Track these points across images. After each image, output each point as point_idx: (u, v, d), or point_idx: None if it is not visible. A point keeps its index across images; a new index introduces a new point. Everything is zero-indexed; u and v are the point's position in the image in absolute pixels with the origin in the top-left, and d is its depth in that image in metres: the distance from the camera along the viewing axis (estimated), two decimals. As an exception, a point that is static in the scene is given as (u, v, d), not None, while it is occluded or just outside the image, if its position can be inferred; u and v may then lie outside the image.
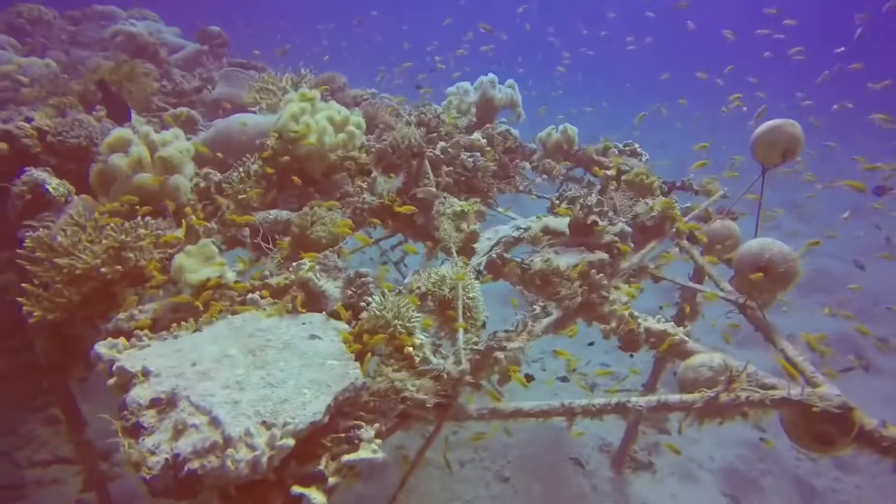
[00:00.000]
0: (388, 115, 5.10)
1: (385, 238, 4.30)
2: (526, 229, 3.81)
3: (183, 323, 2.52)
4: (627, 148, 5.29)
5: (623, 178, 4.47)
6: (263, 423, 1.86)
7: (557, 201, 4.02)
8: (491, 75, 5.66)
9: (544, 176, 5.22)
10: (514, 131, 5.51)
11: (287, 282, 2.84)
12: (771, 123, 3.64)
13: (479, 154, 4.57)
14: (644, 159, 5.21)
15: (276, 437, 1.79)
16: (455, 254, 3.45)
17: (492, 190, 4.52)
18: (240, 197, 3.61)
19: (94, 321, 2.86)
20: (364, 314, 2.57)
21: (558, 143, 5.44)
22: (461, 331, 2.63)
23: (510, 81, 5.79)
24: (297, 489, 1.80)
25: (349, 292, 2.74)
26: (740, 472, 6.31)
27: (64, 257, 2.74)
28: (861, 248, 11.53)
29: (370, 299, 2.67)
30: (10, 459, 4.90)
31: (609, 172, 4.60)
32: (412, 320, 2.52)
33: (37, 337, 3.37)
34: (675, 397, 2.50)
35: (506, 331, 2.80)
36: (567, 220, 3.72)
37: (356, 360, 2.32)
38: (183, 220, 3.17)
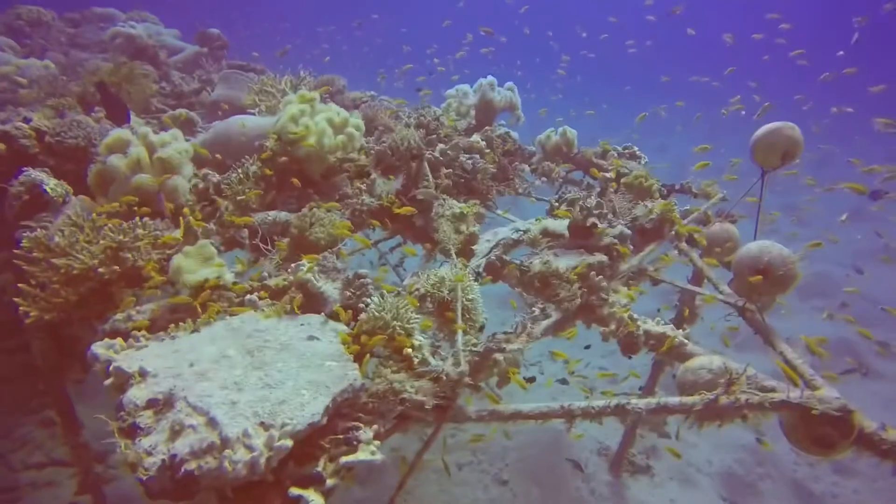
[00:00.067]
0: (387, 117, 5.10)
1: (384, 240, 4.30)
2: (525, 231, 3.81)
3: (181, 324, 2.51)
4: (626, 151, 5.29)
5: (622, 180, 4.47)
6: (261, 424, 1.84)
7: (557, 204, 4.02)
8: (490, 78, 5.67)
9: (543, 178, 5.23)
10: (514, 134, 5.51)
11: (286, 283, 2.83)
12: (770, 126, 3.64)
13: (478, 156, 4.57)
14: (643, 162, 5.21)
15: (274, 438, 1.78)
16: (454, 255, 3.45)
17: (491, 192, 4.52)
18: (238, 198, 3.61)
19: (91, 322, 2.85)
20: (363, 315, 2.56)
21: (557, 146, 5.44)
22: (460, 332, 2.62)
23: (509, 84, 5.80)
24: (294, 490, 1.79)
25: (348, 293, 2.73)
26: (738, 475, 6.30)
27: (61, 257, 2.73)
28: (860, 252, 11.55)
29: (369, 300, 2.66)
30: (4, 462, 4.87)
31: (608, 175, 4.60)
32: (411, 321, 2.51)
33: (33, 338, 3.35)
34: (674, 400, 2.49)
35: (505, 332, 2.79)
36: (566, 222, 3.72)
37: (355, 361, 2.31)
38: (181, 220, 3.15)
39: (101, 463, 4.94)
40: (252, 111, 4.85)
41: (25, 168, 3.40)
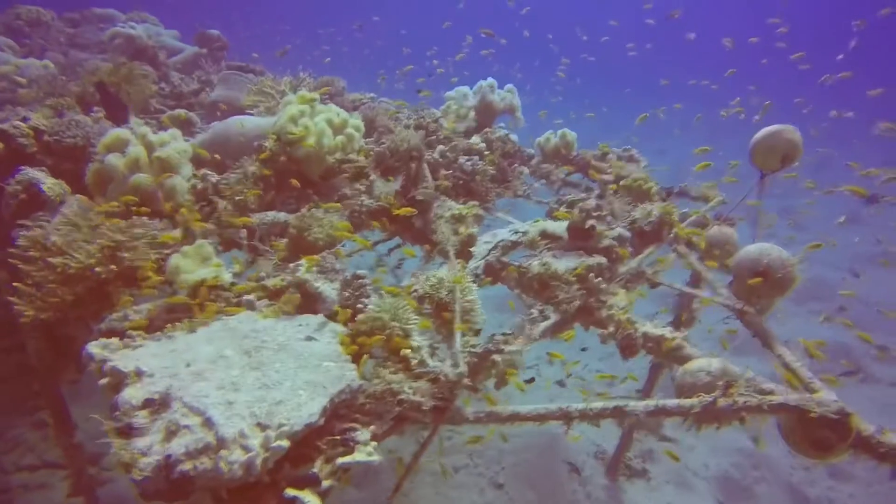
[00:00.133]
0: (387, 118, 5.10)
1: (382, 241, 4.29)
2: (524, 233, 3.81)
3: (178, 323, 2.49)
4: (626, 153, 5.30)
5: (621, 183, 4.47)
6: (258, 424, 1.83)
7: (556, 206, 4.02)
8: (490, 80, 5.68)
9: (543, 181, 5.23)
10: (514, 136, 5.52)
11: (284, 283, 2.82)
12: (770, 129, 3.65)
13: (477, 158, 4.57)
14: (642, 165, 5.22)
15: (270, 438, 1.77)
16: (453, 257, 3.44)
17: (490, 194, 4.52)
18: (237, 198, 3.60)
19: (87, 321, 2.83)
20: (361, 315, 2.55)
21: (557, 148, 5.45)
22: (458, 333, 2.62)
23: (509, 86, 5.81)
24: (290, 492, 1.77)
25: (346, 294, 2.72)
26: (735, 479, 6.29)
27: (58, 256, 2.72)
28: (857, 255, 11.58)
29: (367, 301, 2.65)
30: (-4, 463, 4.84)
31: (607, 177, 4.60)
32: (410, 322, 2.50)
33: (28, 338, 3.34)
34: (672, 402, 2.48)
35: (503, 334, 2.78)
36: (564, 224, 3.71)
37: (353, 361, 2.30)
38: (178, 218, 3.14)
39: (95, 465, 4.91)
40: (251, 112, 4.85)
41: (23, 167, 3.38)
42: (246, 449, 1.73)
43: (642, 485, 6.08)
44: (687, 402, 2.46)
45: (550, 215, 4.08)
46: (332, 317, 2.64)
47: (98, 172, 3.37)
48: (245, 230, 3.42)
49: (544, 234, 3.78)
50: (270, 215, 3.53)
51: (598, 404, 2.48)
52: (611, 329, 3.09)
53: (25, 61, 5.87)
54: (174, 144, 3.52)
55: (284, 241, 3.29)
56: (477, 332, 2.83)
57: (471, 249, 3.69)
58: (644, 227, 3.95)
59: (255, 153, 3.88)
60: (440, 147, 4.64)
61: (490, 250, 3.63)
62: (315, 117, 3.95)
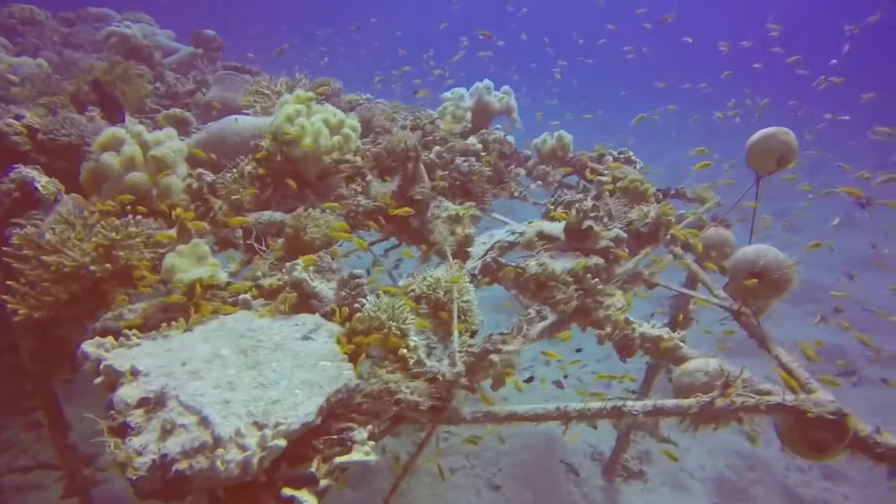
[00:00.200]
0: (383, 119, 5.09)
1: (379, 241, 4.28)
2: (521, 234, 3.80)
3: (173, 323, 2.47)
4: (622, 155, 5.31)
5: (618, 184, 4.48)
6: (255, 423, 1.82)
7: (553, 206, 4.02)
8: (486, 81, 5.68)
9: (539, 182, 5.23)
10: (510, 138, 5.52)
11: (280, 283, 2.80)
12: (765, 131, 3.65)
13: (474, 159, 4.57)
14: (638, 167, 5.23)
15: (267, 437, 1.75)
16: (450, 257, 3.43)
17: (486, 195, 4.51)
18: (233, 198, 3.58)
19: (81, 321, 2.81)
20: (358, 315, 2.54)
21: (553, 150, 5.45)
22: (456, 333, 2.61)
23: (505, 88, 5.81)
24: (287, 491, 1.76)
25: (343, 293, 2.71)
26: (730, 481, 6.31)
27: (52, 255, 2.69)
28: (852, 259, 11.64)
29: (364, 301, 2.64)
30: (-11, 465, 4.80)
31: (604, 178, 4.60)
32: (407, 322, 2.49)
33: (22, 338, 3.31)
34: (670, 402, 2.48)
35: (501, 334, 2.77)
36: (561, 225, 3.71)
37: (349, 361, 2.28)
38: (173, 215, 3.12)
39: (90, 465, 4.87)
40: (247, 112, 4.83)
41: (16, 165, 3.36)
42: (242, 448, 1.71)
43: (639, 486, 6.09)
44: (685, 402, 2.46)
45: (547, 216, 4.08)
46: (328, 316, 2.63)
47: (93, 171, 3.34)
48: (241, 230, 3.41)
49: (541, 235, 3.78)
50: (266, 215, 3.51)
51: (595, 404, 2.47)
52: (608, 330, 3.09)
53: (18, 59, 5.83)
54: (169, 143, 3.50)
55: (280, 240, 3.27)
56: (474, 333, 2.82)
57: (468, 250, 3.68)
58: (641, 229, 3.95)
59: (250, 153, 3.86)
60: (437, 148, 4.64)
61: (487, 251, 3.62)
62: (311, 117, 3.94)
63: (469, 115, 5.71)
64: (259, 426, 1.81)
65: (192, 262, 2.82)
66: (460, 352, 2.51)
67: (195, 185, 3.65)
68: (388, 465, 5.41)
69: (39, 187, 3.25)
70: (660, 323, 3.19)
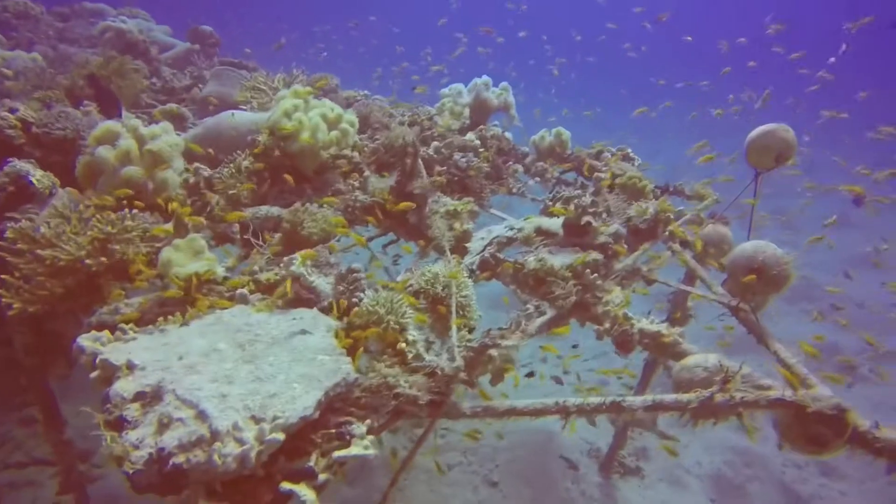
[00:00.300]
0: (381, 114, 5.07)
1: (377, 237, 4.26)
2: (519, 230, 3.79)
3: (170, 317, 2.45)
4: (620, 152, 5.30)
5: (616, 181, 4.47)
6: (252, 417, 1.80)
7: (551, 202, 4.01)
8: (485, 77, 5.66)
9: (537, 178, 5.22)
10: (508, 134, 5.51)
11: (277, 277, 2.78)
12: (764, 128, 3.65)
13: (471, 154, 4.55)
14: (636, 164, 5.22)
15: (265, 431, 1.74)
16: (448, 252, 3.42)
17: (485, 191, 4.50)
18: (230, 192, 3.56)
19: (76, 315, 2.79)
20: (356, 309, 2.52)
21: (551, 147, 5.44)
22: (454, 327, 2.59)
23: (504, 84, 5.80)
24: (286, 485, 1.74)
25: (341, 288, 2.69)
26: (727, 477, 6.32)
27: (47, 249, 2.67)
28: (847, 258, 11.67)
29: (362, 295, 2.62)
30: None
31: (602, 175, 4.60)
32: (405, 316, 2.48)
33: (16, 332, 3.27)
34: (670, 397, 2.47)
35: (500, 328, 2.76)
36: (560, 220, 3.70)
37: (347, 355, 2.27)
38: (169, 209, 3.10)
39: (85, 461, 4.84)
40: (244, 108, 4.80)
41: (11, 159, 3.32)
42: (240, 442, 1.70)
43: (636, 482, 6.10)
44: (684, 396, 2.46)
45: (545, 212, 4.07)
46: (325, 310, 2.61)
47: (88, 165, 3.31)
48: (238, 224, 3.39)
49: (539, 231, 3.77)
50: (264, 210, 3.49)
51: (595, 399, 2.47)
52: (607, 325, 3.08)
53: (13, 53, 5.77)
54: (165, 137, 3.47)
55: (278, 235, 3.25)
56: (472, 329, 2.80)
57: (466, 245, 3.67)
58: (639, 225, 3.95)
59: (247, 148, 3.84)
60: (435, 143, 4.62)
61: (485, 246, 3.61)
62: (309, 112, 3.91)
63: (467, 112, 5.70)
64: (256, 420, 1.79)
65: (189, 257, 2.80)
66: (459, 346, 2.49)
67: (192, 180, 3.63)
68: (385, 462, 5.39)
69: (34, 181, 3.21)
70: (658, 319, 3.19)
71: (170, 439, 1.69)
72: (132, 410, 1.83)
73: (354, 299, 2.64)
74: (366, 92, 6.43)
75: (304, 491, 1.74)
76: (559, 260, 3.30)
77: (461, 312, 2.76)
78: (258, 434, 1.73)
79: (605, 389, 7.16)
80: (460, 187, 4.41)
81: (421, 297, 2.81)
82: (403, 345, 2.38)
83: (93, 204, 3.04)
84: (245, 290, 2.69)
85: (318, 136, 3.83)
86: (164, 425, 1.74)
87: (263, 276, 2.82)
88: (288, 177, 3.66)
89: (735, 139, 4.52)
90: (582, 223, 3.53)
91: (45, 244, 2.69)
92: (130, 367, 2.02)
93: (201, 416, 1.76)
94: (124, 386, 1.91)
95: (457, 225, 3.70)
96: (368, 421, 2.07)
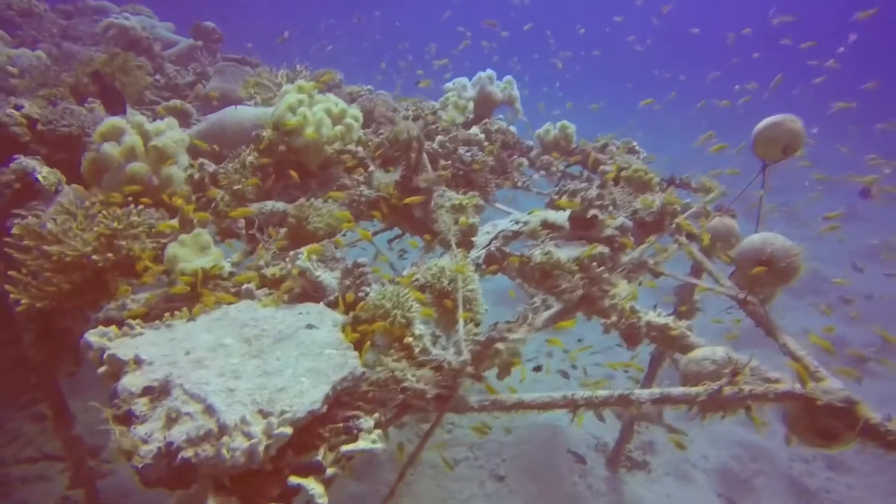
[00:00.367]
0: (385, 109, 5.06)
1: (382, 231, 4.26)
2: (525, 223, 3.77)
3: (177, 312, 2.45)
4: (625, 145, 5.27)
5: (622, 174, 4.45)
6: (260, 411, 1.80)
7: (557, 196, 3.98)
8: (489, 71, 5.64)
9: (542, 172, 5.20)
10: (512, 128, 5.49)
11: (283, 272, 2.78)
12: (772, 119, 3.62)
13: (476, 148, 4.54)
14: (642, 156, 5.19)
15: (273, 425, 1.73)
16: (454, 246, 3.41)
17: (490, 185, 4.48)
18: (235, 188, 3.56)
19: (84, 313, 2.79)
20: (363, 303, 2.52)
21: (556, 140, 5.42)
22: (461, 321, 2.58)
23: (508, 78, 5.77)
24: (294, 479, 1.74)
25: (347, 282, 2.69)
26: (734, 471, 6.30)
27: (53, 245, 2.67)
28: (855, 251, 11.59)
29: (368, 290, 2.62)
30: (-6, 457, 4.81)
31: (608, 168, 4.57)
32: (412, 310, 2.47)
33: (25, 330, 3.29)
34: (678, 390, 2.46)
35: (507, 322, 2.75)
36: (565, 214, 3.68)
37: (354, 349, 2.27)
38: (174, 204, 3.10)
39: (95, 457, 4.88)
40: (248, 103, 4.80)
41: (17, 156, 3.33)
42: (248, 436, 1.70)
43: (643, 476, 6.08)
44: (693, 389, 2.44)
45: (552, 205, 4.05)
46: (332, 305, 2.61)
47: (94, 161, 3.32)
48: (243, 220, 3.38)
49: (545, 224, 3.75)
50: (269, 205, 3.49)
51: (603, 392, 2.45)
52: (614, 318, 3.06)
53: (17, 51, 5.78)
54: (170, 133, 3.47)
55: (283, 230, 3.25)
56: (478, 323, 2.80)
57: (472, 239, 3.65)
58: (646, 218, 3.92)
59: (252, 143, 3.84)
60: (439, 138, 4.60)
61: (491, 240, 3.59)
62: (314, 107, 3.90)
63: (471, 106, 5.67)
64: (264, 414, 1.79)
65: (195, 252, 2.80)
66: (466, 340, 2.49)
67: (197, 176, 3.63)
68: (392, 458, 5.40)
69: (40, 178, 3.22)
70: (665, 312, 3.17)
71: (178, 433, 1.70)
72: (140, 405, 1.83)
73: (361, 294, 2.63)
74: (370, 87, 6.41)
75: (312, 485, 1.74)
76: (565, 253, 3.29)
77: (467, 306, 2.75)
78: (266, 428, 1.73)
79: (611, 383, 7.14)
80: (465, 181, 4.40)
81: (427, 292, 2.80)
82: (410, 339, 2.37)
83: (98, 200, 3.05)
84: (251, 285, 2.69)
85: (322, 131, 3.82)
86: (172, 420, 1.74)
87: (269, 271, 2.82)
88: (293, 172, 3.66)
89: (741, 132, 4.49)
90: (588, 216, 3.51)
91: (51, 240, 2.70)
92: (138, 362, 2.02)
93: (209, 410, 1.76)
94: (132, 381, 1.92)
95: (462, 219, 3.69)
96: (376, 415, 2.06)
